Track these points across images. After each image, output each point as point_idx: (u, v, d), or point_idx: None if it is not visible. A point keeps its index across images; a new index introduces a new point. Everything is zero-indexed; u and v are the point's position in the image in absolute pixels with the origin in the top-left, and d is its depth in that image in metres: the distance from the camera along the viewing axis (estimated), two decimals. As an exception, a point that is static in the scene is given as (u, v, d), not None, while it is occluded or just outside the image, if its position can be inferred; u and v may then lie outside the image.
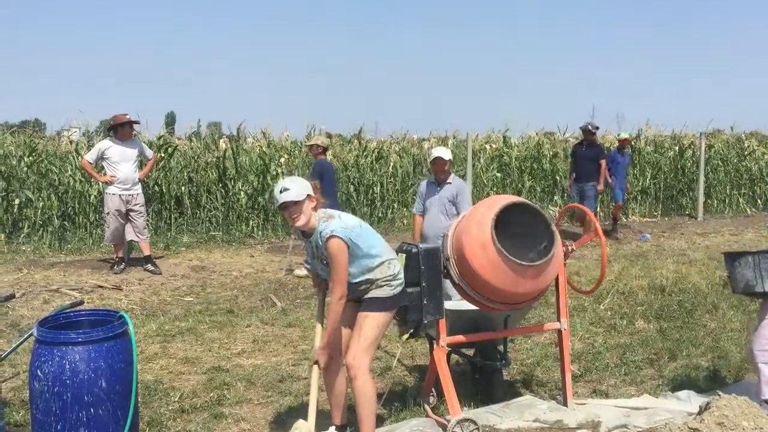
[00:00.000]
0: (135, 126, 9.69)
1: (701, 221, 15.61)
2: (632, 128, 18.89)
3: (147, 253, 9.54)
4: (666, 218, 16.17)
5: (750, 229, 14.61)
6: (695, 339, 6.46)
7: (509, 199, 4.47)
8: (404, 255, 4.39)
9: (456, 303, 5.13)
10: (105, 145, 9.25)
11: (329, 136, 15.85)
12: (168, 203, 13.00)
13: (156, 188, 12.91)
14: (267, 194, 13.61)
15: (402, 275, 4.20)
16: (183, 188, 13.19)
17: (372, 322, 4.09)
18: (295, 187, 3.94)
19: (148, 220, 10.68)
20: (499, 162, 16.18)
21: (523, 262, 4.21)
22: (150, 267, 9.48)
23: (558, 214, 6.17)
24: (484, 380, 5.08)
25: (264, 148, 14.65)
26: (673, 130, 19.05)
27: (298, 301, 8.35)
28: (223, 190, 13.44)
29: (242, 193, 13.46)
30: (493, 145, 16.81)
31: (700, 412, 3.23)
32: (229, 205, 13.41)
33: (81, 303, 4.49)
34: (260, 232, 13.08)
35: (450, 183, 6.46)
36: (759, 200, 17.99)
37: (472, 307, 4.77)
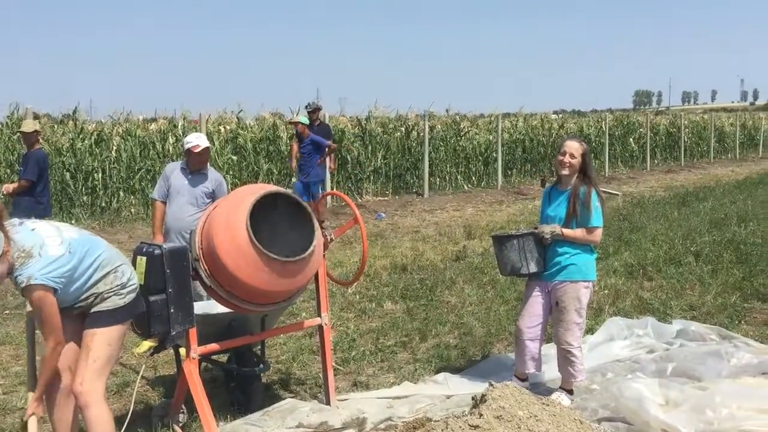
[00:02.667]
0: None
1: (428, 198, 16.61)
2: (360, 110, 19.46)
3: None
4: (396, 197, 16.93)
5: (469, 205, 15.87)
6: (441, 317, 6.63)
7: (263, 188, 4.03)
8: (144, 258, 3.74)
9: (206, 305, 4.58)
10: None
11: (36, 117, 13.87)
12: None
13: None
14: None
15: (134, 281, 3.62)
16: None
17: (102, 340, 3.45)
18: None
19: None
20: (234, 144, 15.57)
21: (283, 258, 3.81)
22: None
23: (318, 201, 5.85)
24: (241, 388, 4.61)
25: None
26: (398, 111, 20.02)
27: (8, 312, 7.07)
28: None
29: None
30: (227, 127, 16.13)
31: (475, 405, 3.15)
32: None
33: None
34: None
35: (204, 173, 5.77)
36: (474, 177, 19.70)
37: (223, 309, 4.28)
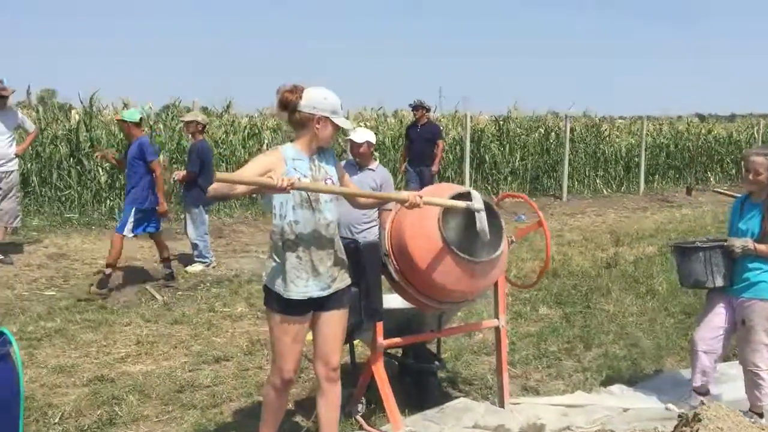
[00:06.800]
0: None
1: (566, 202, 16.20)
2: (497, 110, 19.26)
3: (-1, 239, 8.31)
4: (533, 198, 16.59)
5: (611, 210, 15.34)
6: (601, 326, 6.44)
7: (454, 189, 4.06)
8: (343, 251, 3.86)
9: (386, 299, 4.67)
10: None
11: (205, 110, 14.70)
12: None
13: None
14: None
15: None
16: (29, 164, 11.68)
17: (345, 320, 3.63)
18: None
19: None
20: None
21: (474, 259, 3.83)
22: (-1, 256, 8.24)
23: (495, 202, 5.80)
24: (416, 384, 4.69)
25: (124, 121, 13.31)
26: (533, 111, 19.63)
27: (181, 293, 7.54)
28: (77, 167, 12.06)
29: (100, 170, 12.16)
30: (368, 123, 16.43)
31: (686, 423, 3.02)
32: (84, 184, 12.06)
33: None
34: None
35: (373, 170, 5.86)
36: (613, 182, 19.01)
37: (403, 304, 4.35)
